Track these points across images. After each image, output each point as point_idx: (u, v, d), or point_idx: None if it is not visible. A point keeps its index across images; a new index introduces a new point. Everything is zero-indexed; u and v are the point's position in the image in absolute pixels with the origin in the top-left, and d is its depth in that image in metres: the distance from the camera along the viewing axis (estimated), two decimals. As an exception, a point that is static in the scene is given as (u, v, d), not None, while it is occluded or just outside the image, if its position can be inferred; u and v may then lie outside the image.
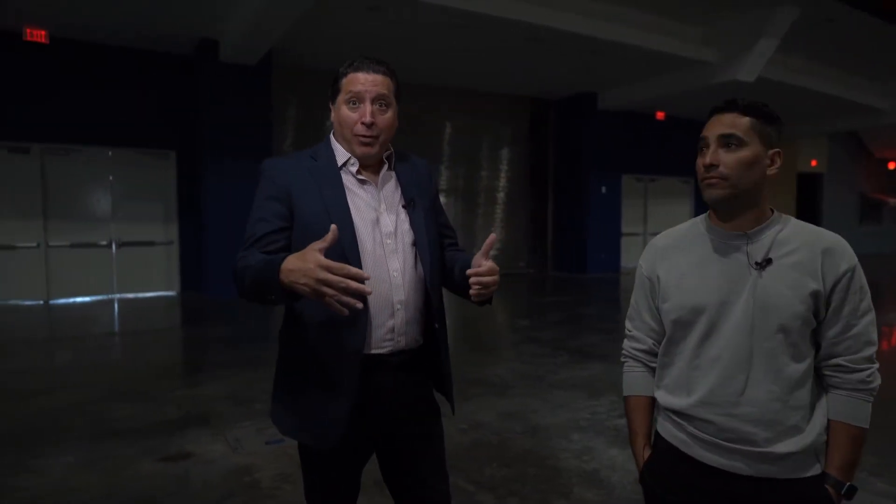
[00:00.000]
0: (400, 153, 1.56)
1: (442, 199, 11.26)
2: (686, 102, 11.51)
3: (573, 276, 11.86)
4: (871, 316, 1.20)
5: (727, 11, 8.62)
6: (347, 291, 1.14)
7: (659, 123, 12.36)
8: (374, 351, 1.42)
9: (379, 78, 1.42)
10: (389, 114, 1.45)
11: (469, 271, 1.36)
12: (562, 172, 12.51)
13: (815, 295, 1.18)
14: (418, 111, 10.66)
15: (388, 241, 1.43)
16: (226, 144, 8.14)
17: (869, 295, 1.21)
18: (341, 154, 1.47)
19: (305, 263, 1.16)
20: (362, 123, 1.40)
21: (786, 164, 15.68)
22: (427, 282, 1.47)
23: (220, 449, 3.16)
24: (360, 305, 1.17)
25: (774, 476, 1.19)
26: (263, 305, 1.35)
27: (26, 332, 6.38)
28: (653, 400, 1.38)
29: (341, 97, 1.44)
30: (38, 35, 7.36)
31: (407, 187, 1.52)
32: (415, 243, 1.47)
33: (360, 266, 1.36)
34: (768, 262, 1.21)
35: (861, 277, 1.20)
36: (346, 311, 1.17)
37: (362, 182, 1.47)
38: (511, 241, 12.42)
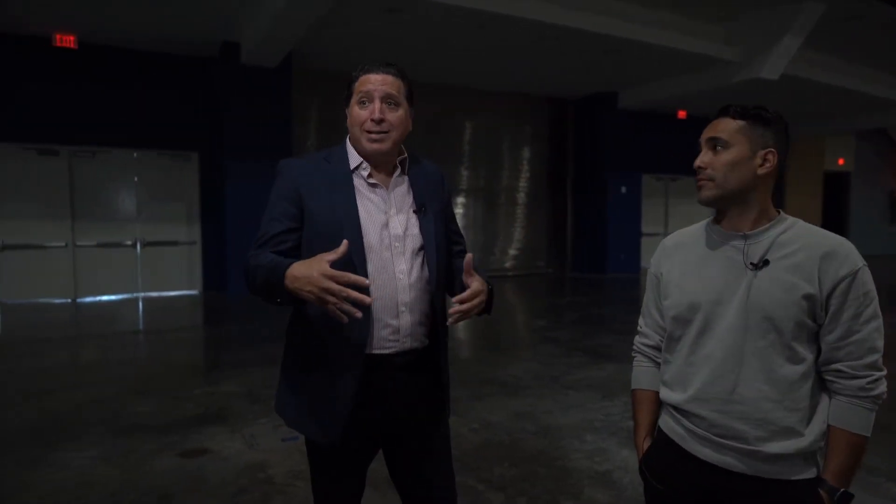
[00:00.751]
0: (414, 158, 1.58)
1: (461, 198, 11.39)
2: (708, 101, 11.30)
3: (592, 276, 11.78)
4: (877, 323, 1.19)
5: (750, 8, 8.49)
6: (348, 300, 1.20)
7: (680, 122, 12.21)
8: (378, 351, 1.44)
9: (388, 78, 1.46)
10: (400, 112, 1.47)
11: (455, 299, 1.43)
12: (581, 172, 12.43)
13: (809, 298, 1.18)
14: (438, 112, 10.70)
15: (397, 244, 1.46)
16: (246, 145, 8.28)
17: (876, 301, 1.19)
18: (354, 158, 1.50)
19: (311, 272, 1.22)
20: (371, 120, 1.44)
21: (812, 163, 15.41)
22: (433, 286, 1.50)
23: (236, 445, 3.23)
24: (358, 315, 1.23)
25: (766, 475, 1.20)
26: (273, 305, 1.40)
27: (54, 330, 6.56)
28: (658, 394, 1.42)
29: (353, 99, 1.48)
30: (67, 41, 7.58)
31: (419, 193, 1.54)
32: (423, 248, 1.50)
33: (365, 267, 1.41)
34: (765, 263, 1.22)
35: (866, 283, 1.18)
36: (345, 318, 1.23)
37: (373, 186, 1.49)
38: (530, 241, 12.39)
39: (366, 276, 1.40)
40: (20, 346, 5.70)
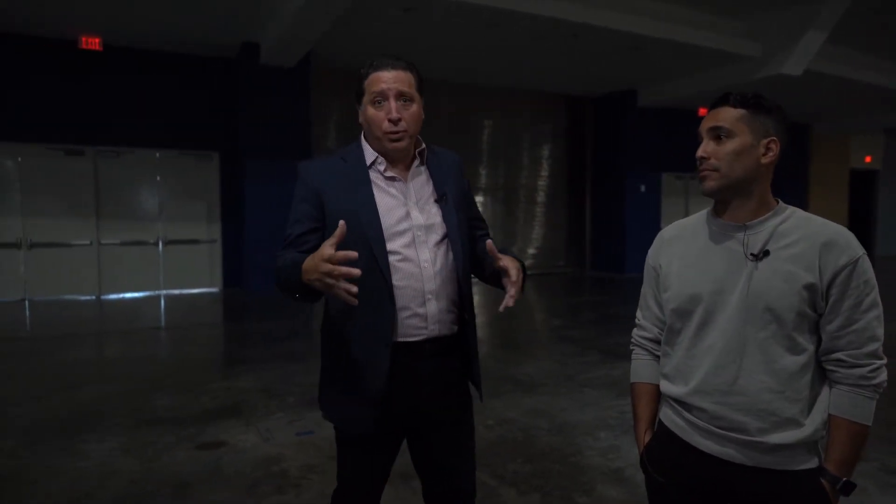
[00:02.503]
0: (430, 147, 1.60)
1: (480, 197, 11.36)
2: (729, 98, 11.19)
3: (611, 275, 11.69)
4: (877, 311, 1.18)
5: (772, 3, 8.35)
6: (341, 276, 1.22)
7: (702, 120, 12.04)
8: (406, 339, 1.47)
9: (400, 74, 1.46)
10: (414, 108, 1.48)
11: (505, 283, 1.41)
12: (600, 171, 12.34)
13: (810, 288, 1.17)
14: (456, 110, 10.71)
15: (419, 234, 1.48)
16: (266, 145, 8.38)
17: (876, 290, 1.19)
18: (370, 153, 1.52)
19: (314, 261, 1.26)
20: (389, 121, 1.44)
21: (838, 160, 15.10)
22: (459, 273, 1.52)
23: (252, 439, 3.27)
24: (354, 289, 1.23)
25: (767, 466, 1.20)
26: (300, 302, 1.45)
27: (80, 326, 6.71)
28: (657, 387, 1.41)
29: (366, 98, 1.48)
30: (93, 43, 7.75)
31: (438, 182, 1.56)
32: (446, 236, 1.51)
33: (386, 259, 1.44)
34: (766, 253, 1.21)
35: (866, 272, 1.18)
36: (353, 300, 1.23)
37: (391, 179, 1.51)
38: (549, 241, 12.34)
39: (388, 268, 1.43)
40: (47, 342, 5.84)
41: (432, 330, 1.48)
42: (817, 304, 1.18)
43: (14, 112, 7.72)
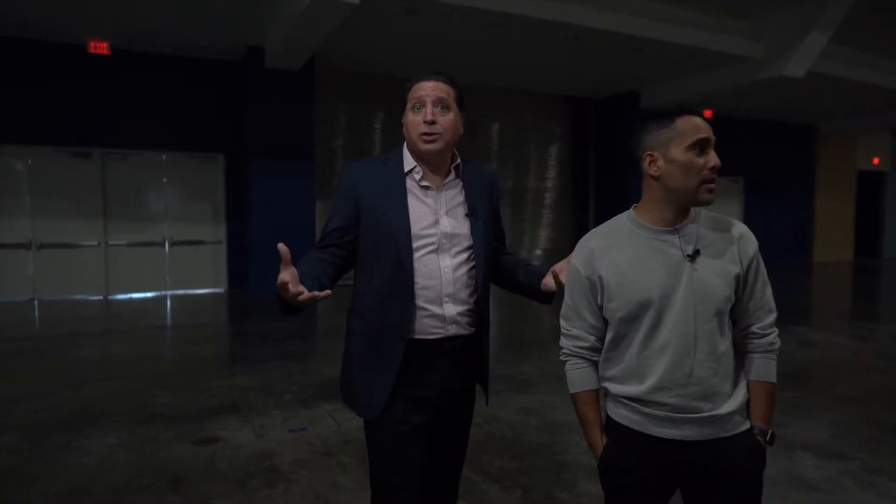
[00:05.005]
0: (466, 159, 1.69)
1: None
2: (732, 99, 11.20)
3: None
4: (770, 286, 1.41)
5: (775, 4, 8.35)
6: (295, 295, 1.32)
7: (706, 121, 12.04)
8: (424, 336, 1.57)
9: (439, 84, 1.58)
10: (451, 116, 1.58)
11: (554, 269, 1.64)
12: (603, 173, 12.37)
13: (737, 278, 1.35)
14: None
15: (444, 242, 1.58)
16: (270, 147, 8.50)
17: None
18: (409, 161, 1.62)
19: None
20: (424, 122, 1.55)
21: (844, 162, 15.01)
22: (478, 282, 1.62)
23: (247, 435, 3.36)
24: (302, 291, 1.32)
25: (715, 436, 1.34)
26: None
27: (87, 326, 6.84)
28: (598, 392, 1.47)
29: (408, 107, 1.60)
30: (101, 47, 7.91)
31: (471, 196, 1.65)
32: (471, 248, 1.61)
33: (412, 262, 1.55)
34: (697, 253, 1.34)
35: (760, 256, 1.40)
36: (301, 294, 1.33)
37: (425, 188, 1.61)
38: (553, 242, 12.38)
39: (412, 270, 1.54)
40: (55, 341, 5.97)
41: (450, 329, 1.58)
42: (738, 290, 1.36)
43: (24, 115, 7.89)
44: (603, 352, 1.44)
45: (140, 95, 8.41)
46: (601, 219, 12.49)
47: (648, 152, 1.36)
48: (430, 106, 1.55)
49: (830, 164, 14.72)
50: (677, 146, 1.32)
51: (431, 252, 1.56)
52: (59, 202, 8.22)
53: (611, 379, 1.42)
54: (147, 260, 8.72)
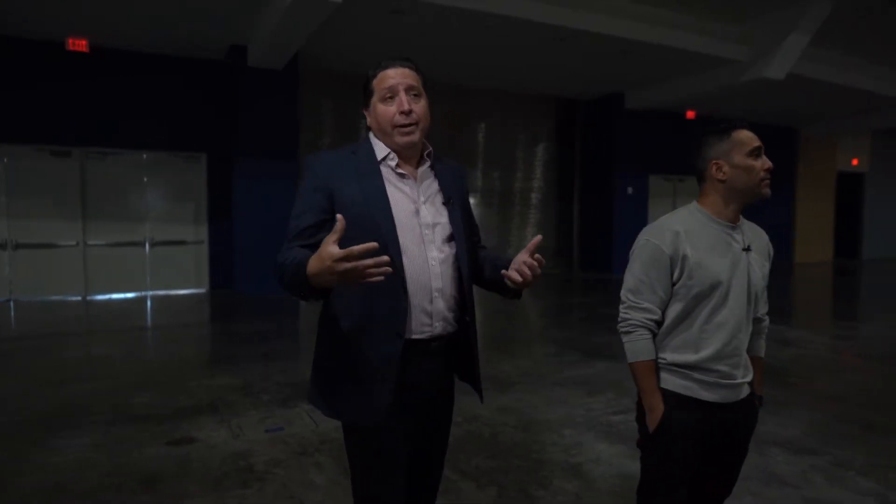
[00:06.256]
0: (437, 155, 1.63)
1: (471, 199, 11.51)
2: (716, 101, 11.29)
3: (599, 276, 11.78)
4: None
5: (757, 8, 8.45)
6: (371, 268, 1.19)
7: (688, 122, 12.16)
8: (415, 336, 1.48)
9: (407, 71, 1.52)
10: (423, 102, 1.53)
11: (527, 260, 1.48)
12: (589, 173, 12.44)
13: (765, 272, 1.67)
14: (450, 112, 10.79)
15: (427, 232, 1.49)
16: (254, 146, 8.44)
17: None
18: (381, 149, 1.53)
19: (322, 263, 1.21)
20: (401, 113, 1.47)
21: (824, 163, 15.19)
22: (463, 274, 1.54)
23: (223, 435, 3.33)
24: (389, 270, 1.22)
25: (739, 398, 1.63)
26: (308, 301, 1.43)
27: (65, 327, 6.75)
28: (656, 362, 1.64)
29: (375, 97, 1.52)
30: (80, 45, 7.81)
31: (445, 186, 1.59)
32: (452, 237, 1.54)
33: (399, 254, 1.44)
34: (749, 248, 1.63)
35: None
36: (381, 278, 1.22)
37: (401, 176, 1.52)
38: (541, 242, 12.42)
39: (401, 263, 1.44)
40: (33, 342, 5.89)
41: (436, 327, 1.50)
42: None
43: (0, 113, 7.76)
44: (665, 324, 1.62)
45: (120, 94, 8.32)
46: (586, 218, 12.68)
47: (714, 161, 1.61)
48: (403, 94, 1.48)
49: (811, 165, 14.92)
50: (738, 154, 1.59)
51: (416, 243, 1.48)
52: (36, 201, 8.09)
53: (668, 348, 1.62)
54: (127, 260, 8.62)
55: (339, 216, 1.23)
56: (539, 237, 1.53)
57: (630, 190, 12.04)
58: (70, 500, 2.60)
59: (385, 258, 1.20)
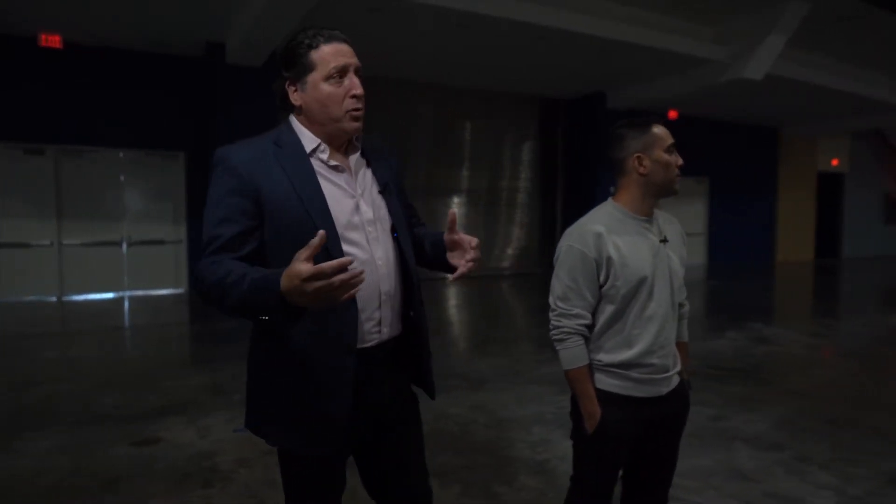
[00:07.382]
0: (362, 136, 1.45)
1: (457, 199, 11.42)
2: (696, 101, 11.38)
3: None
4: None
5: (736, 9, 8.52)
6: (346, 285, 1.06)
7: (671, 123, 12.23)
8: (362, 345, 1.34)
9: (351, 49, 1.35)
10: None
11: (467, 258, 1.40)
12: (571, 173, 12.48)
13: (683, 259, 1.71)
14: (434, 113, 10.76)
15: (370, 230, 1.35)
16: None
17: None
18: (308, 139, 1.35)
19: (293, 282, 1.05)
20: (353, 97, 1.31)
21: (805, 164, 15.37)
22: (410, 268, 1.42)
23: (190, 435, 3.30)
24: (363, 280, 1.10)
25: (671, 389, 1.66)
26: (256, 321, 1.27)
27: (39, 327, 6.65)
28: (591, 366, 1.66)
29: (317, 74, 1.31)
30: (53, 41, 7.66)
31: (378, 171, 1.44)
32: (394, 229, 1.41)
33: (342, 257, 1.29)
34: (665, 239, 1.66)
35: None
36: (358, 289, 1.10)
37: (335, 168, 1.36)
38: (520, 241, 12.45)
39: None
40: (5, 343, 5.80)
41: (384, 334, 1.38)
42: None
43: (-28, 110, 7.63)
44: (598, 327, 1.63)
45: (96, 91, 8.19)
46: (568, 217, 12.69)
47: (637, 154, 1.61)
48: (354, 76, 1.32)
49: (792, 166, 15.07)
50: (658, 149, 1.61)
51: (361, 244, 1.33)
52: (9, 200, 7.92)
53: (602, 349, 1.63)
54: (104, 260, 8.49)
55: (321, 231, 1.07)
56: (453, 211, 1.41)
57: (612, 189, 11.96)
58: (27, 502, 2.55)
59: (360, 269, 1.08)
